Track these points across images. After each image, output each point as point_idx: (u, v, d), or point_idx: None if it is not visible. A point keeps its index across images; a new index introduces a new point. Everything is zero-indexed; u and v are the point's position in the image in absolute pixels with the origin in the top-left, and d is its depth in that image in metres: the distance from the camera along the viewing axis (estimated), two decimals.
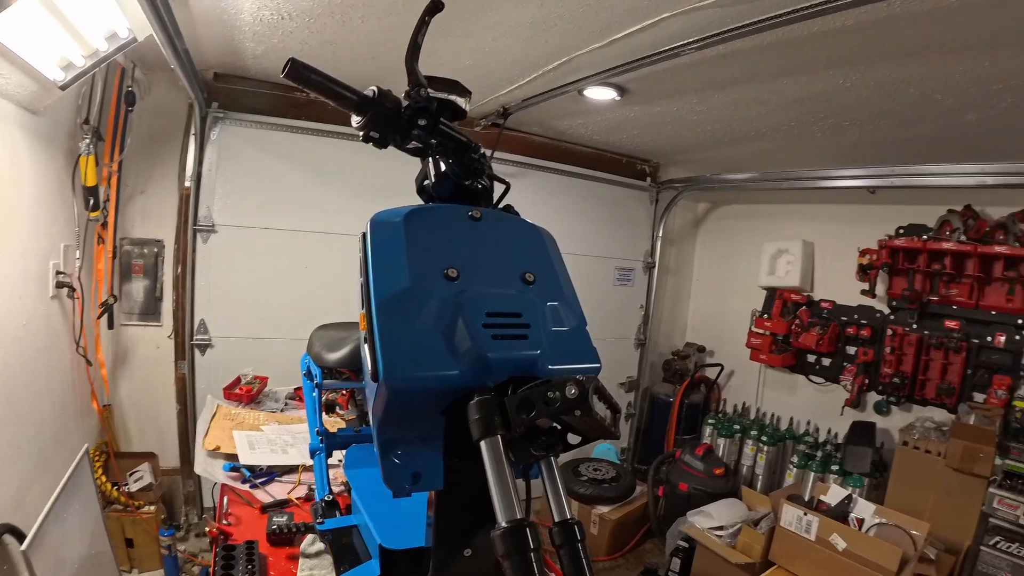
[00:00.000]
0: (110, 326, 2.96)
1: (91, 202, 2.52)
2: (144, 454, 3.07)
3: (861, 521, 2.55)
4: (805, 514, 2.56)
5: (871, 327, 3.66)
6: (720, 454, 4.10)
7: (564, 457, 1.05)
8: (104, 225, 2.75)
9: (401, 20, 2.23)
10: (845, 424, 3.67)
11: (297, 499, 1.85)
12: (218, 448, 2.08)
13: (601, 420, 0.76)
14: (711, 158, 4.22)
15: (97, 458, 2.76)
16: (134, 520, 2.75)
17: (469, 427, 0.82)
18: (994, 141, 2.83)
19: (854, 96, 2.54)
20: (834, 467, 3.42)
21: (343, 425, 2.11)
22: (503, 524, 0.71)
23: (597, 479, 3.81)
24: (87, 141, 2.40)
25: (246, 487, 1.90)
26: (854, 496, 2.71)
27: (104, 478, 2.75)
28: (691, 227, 5.14)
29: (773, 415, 4.26)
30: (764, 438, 3.98)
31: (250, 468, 1.99)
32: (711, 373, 4.73)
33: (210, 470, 1.97)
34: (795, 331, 3.98)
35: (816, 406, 4.02)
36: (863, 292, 3.67)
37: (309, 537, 1.59)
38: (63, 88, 1.95)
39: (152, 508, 2.81)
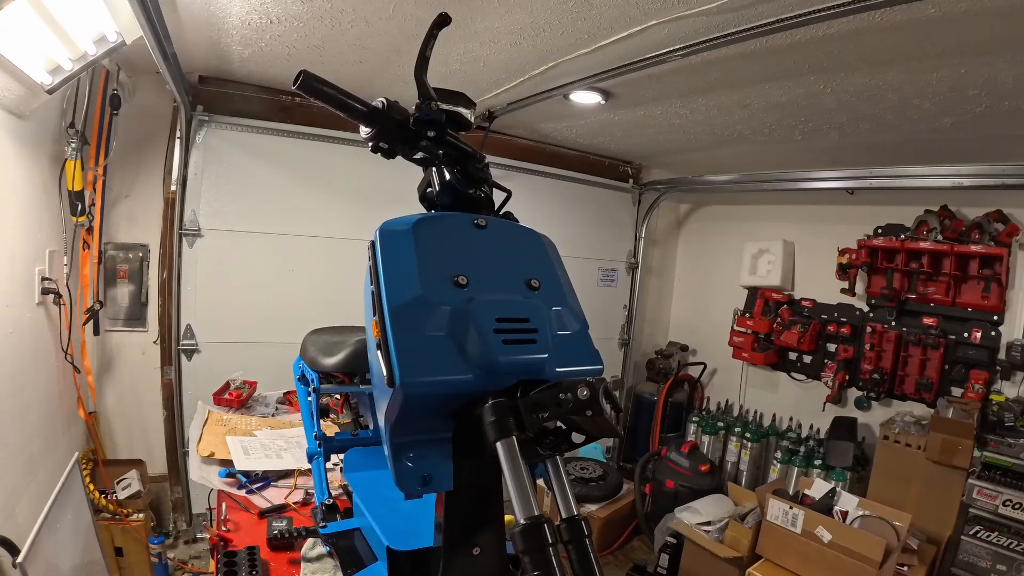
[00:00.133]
0: (96, 332, 2.92)
1: (78, 207, 2.48)
2: (131, 461, 3.03)
3: (845, 514, 2.62)
4: (791, 508, 2.62)
5: (851, 325, 3.75)
6: (705, 451, 4.16)
7: None
8: (89, 230, 2.72)
9: (390, 26, 2.24)
10: (827, 420, 3.76)
11: (295, 503, 1.85)
12: (212, 454, 2.07)
13: (609, 419, 0.79)
14: (693, 160, 4.29)
15: (84, 466, 2.72)
16: (123, 528, 2.71)
17: (479, 430, 0.85)
18: (969, 145, 2.93)
19: (834, 101, 2.61)
20: (817, 462, 3.51)
21: (336, 429, 2.12)
22: (521, 521, 0.74)
23: (585, 478, 3.85)
24: (73, 145, 2.37)
25: (243, 493, 1.90)
26: (838, 489, 2.78)
27: (92, 486, 2.71)
28: (673, 228, 5.21)
29: (756, 412, 4.34)
30: (748, 435, 4.05)
31: (245, 473, 1.98)
32: (694, 372, 4.81)
33: (206, 476, 1.96)
34: (777, 329, 4.06)
35: (798, 403, 4.11)
36: (843, 291, 3.76)
37: (309, 541, 1.60)
38: (50, 92, 1.93)
39: (141, 516, 2.78)
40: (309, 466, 1.98)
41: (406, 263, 0.86)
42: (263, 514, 1.79)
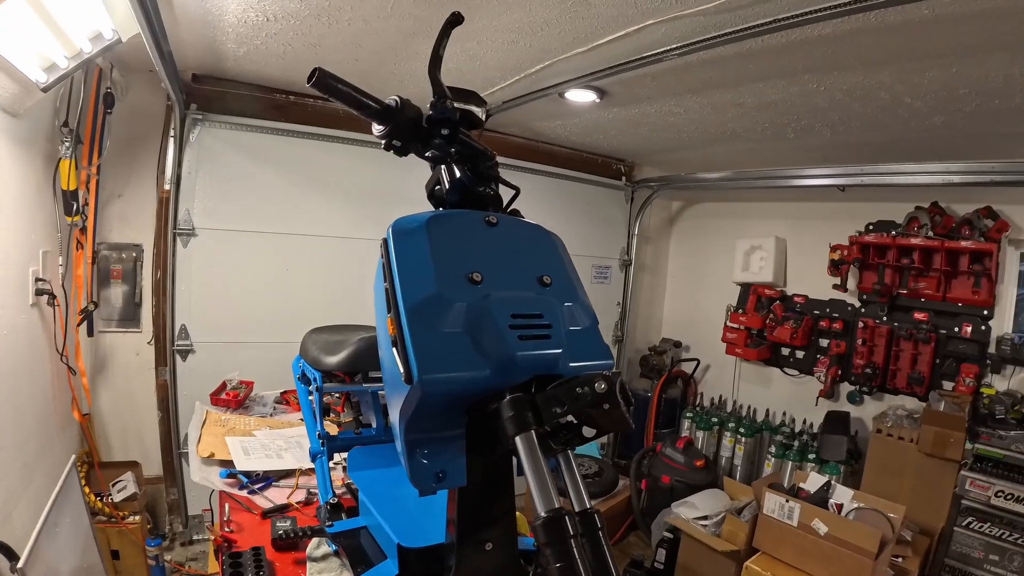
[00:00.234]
0: (89, 333, 2.89)
1: (74, 207, 2.46)
2: (127, 463, 3.01)
3: (840, 506, 2.65)
4: (787, 501, 2.65)
5: (843, 320, 3.79)
6: (699, 447, 4.19)
7: None
8: (83, 230, 2.69)
9: (388, 24, 2.24)
10: (820, 414, 3.80)
11: (297, 503, 1.85)
12: (212, 455, 2.06)
13: (624, 413, 0.80)
14: (686, 158, 4.31)
15: (80, 468, 2.70)
16: (120, 531, 2.69)
17: (493, 426, 0.86)
18: (959, 143, 2.97)
19: (827, 99, 2.63)
20: (811, 456, 3.55)
21: (338, 429, 2.12)
22: (542, 514, 0.74)
23: (581, 474, 3.86)
24: (67, 144, 2.34)
25: (244, 493, 1.89)
26: (833, 483, 2.81)
27: (87, 489, 2.68)
28: (666, 225, 5.23)
29: (750, 407, 4.38)
30: (742, 430, 4.08)
31: (246, 474, 1.98)
32: (688, 368, 4.84)
33: (208, 477, 1.95)
34: (769, 325, 4.09)
35: (791, 397, 4.15)
36: (835, 286, 3.80)
37: (314, 541, 1.59)
38: (45, 90, 1.91)
39: (137, 518, 2.76)
40: (310, 466, 1.99)
41: (421, 260, 0.87)
42: (266, 514, 1.78)
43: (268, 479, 1.99)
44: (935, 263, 3.28)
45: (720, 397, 4.61)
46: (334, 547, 1.54)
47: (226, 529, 1.69)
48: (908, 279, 3.43)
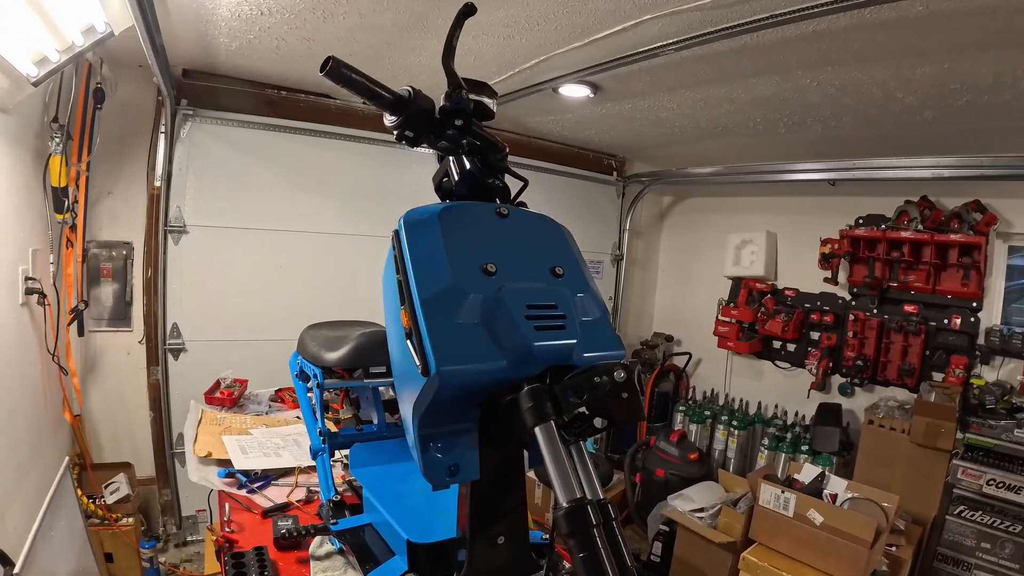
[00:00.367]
0: (80, 333, 2.85)
1: (64, 204, 2.42)
2: (119, 464, 2.97)
3: (835, 497, 2.68)
4: (782, 492, 2.68)
5: (834, 313, 3.83)
6: (692, 440, 4.22)
7: None
8: (73, 228, 2.64)
9: (384, 19, 2.22)
10: (812, 406, 3.83)
11: (298, 501, 1.84)
12: (210, 454, 2.04)
13: (641, 401, 0.81)
14: (678, 154, 4.34)
15: (72, 471, 2.66)
16: (113, 534, 2.65)
17: (507, 418, 0.85)
18: (949, 138, 3.01)
19: (820, 95, 2.66)
20: (804, 448, 3.58)
21: (337, 426, 2.10)
22: (564, 504, 0.74)
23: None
24: (57, 140, 2.30)
25: (243, 493, 1.87)
26: (827, 473, 2.84)
27: (80, 491, 2.65)
28: (656, 220, 5.25)
29: (742, 400, 4.41)
30: (734, 423, 4.11)
31: (245, 473, 1.96)
32: (680, 362, 4.86)
33: (206, 477, 1.93)
34: (761, 319, 4.12)
35: (783, 390, 4.19)
36: (825, 280, 3.84)
37: (317, 539, 1.58)
38: (35, 84, 1.86)
39: (131, 520, 2.72)
40: (309, 463, 1.97)
41: (435, 252, 0.86)
42: (267, 514, 1.76)
43: (267, 478, 1.97)
44: (925, 256, 3.32)
45: (712, 391, 4.64)
46: (338, 545, 1.53)
47: (227, 529, 1.67)
48: (898, 272, 3.48)
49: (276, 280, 3.36)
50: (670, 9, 1.97)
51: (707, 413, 4.29)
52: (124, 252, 3.04)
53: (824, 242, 3.81)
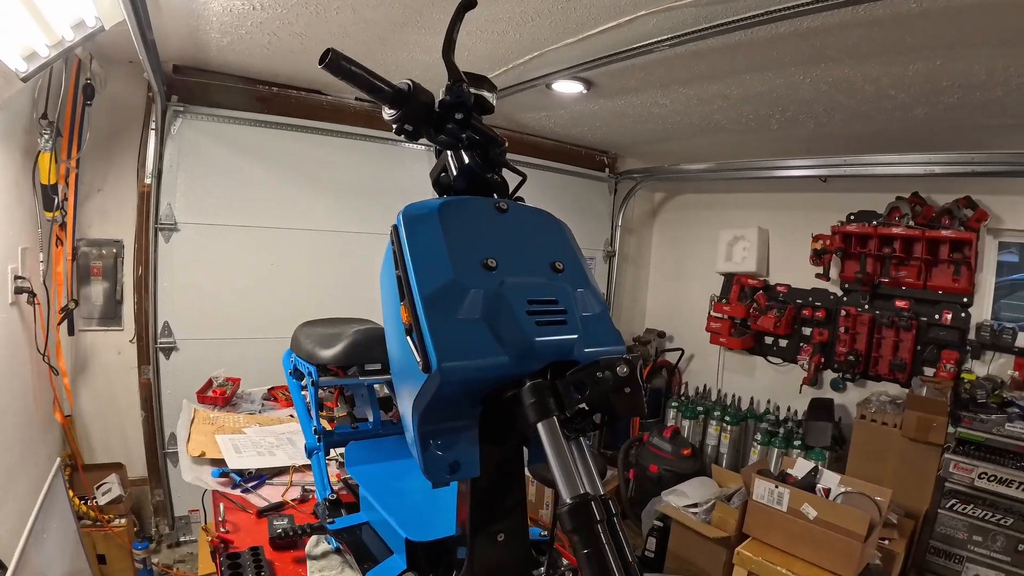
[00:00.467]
0: (70, 332, 2.82)
1: (54, 202, 2.39)
2: (110, 465, 2.94)
3: (828, 491, 2.69)
4: (776, 487, 2.69)
5: (825, 309, 3.85)
6: (685, 436, 4.23)
7: None
8: (62, 226, 2.61)
9: (377, 13, 2.20)
10: (804, 402, 3.86)
11: (293, 501, 1.83)
12: (203, 454, 2.02)
13: (643, 397, 0.81)
14: (670, 150, 4.34)
15: (63, 472, 2.63)
16: (105, 535, 2.63)
17: (508, 414, 0.85)
18: (941, 134, 3.03)
19: (812, 91, 2.67)
20: (796, 443, 3.60)
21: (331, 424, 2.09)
22: (567, 500, 0.74)
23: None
24: (46, 136, 2.27)
25: (238, 492, 1.86)
26: (820, 468, 2.86)
27: (71, 492, 2.62)
28: (648, 216, 5.26)
29: (734, 396, 4.43)
30: (727, 418, 4.13)
31: (239, 472, 1.94)
32: (672, 357, 4.88)
33: (200, 477, 1.91)
34: (753, 314, 4.14)
35: (775, 385, 4.21)
36: (817, 276, 3.86)
37: (313, 539, 1.57)
38: (24, 80, 1.84)
39: (123, 521, 2.70)
40: (303, 462, 1.96)
41: (435, 247, 0.85)
42: (262, 513, 1.75)
43: (261, 477, 1.95)
44: (916, 252, 3.34)
45: (705, 386, 4.66)
46: (334, 544, 1.52)
47: (222, 529, 1.66)
48: (889, 268, 3.50)
49: (268, 278, 3.34)
50: (664, 5, 1.97)
51: (700, 409, 4.31)
52: (114, 250, 3.00)
53: (816, 238, 3.82)
